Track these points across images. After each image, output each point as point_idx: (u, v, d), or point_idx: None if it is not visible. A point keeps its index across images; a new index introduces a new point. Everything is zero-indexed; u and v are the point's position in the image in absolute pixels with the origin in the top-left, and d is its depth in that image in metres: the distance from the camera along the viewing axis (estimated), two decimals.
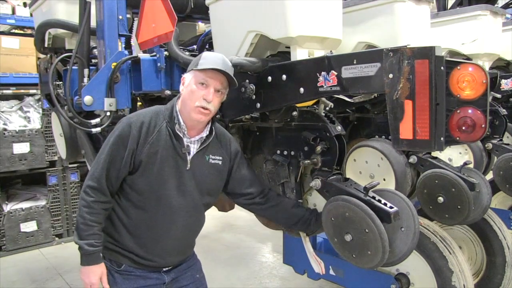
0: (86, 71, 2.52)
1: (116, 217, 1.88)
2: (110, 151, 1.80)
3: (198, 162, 1.89)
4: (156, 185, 1.82)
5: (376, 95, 2.59)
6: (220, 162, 1.97)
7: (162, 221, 1.86)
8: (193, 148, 1.88)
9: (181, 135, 1.84)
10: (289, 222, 2.10)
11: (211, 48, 2.60)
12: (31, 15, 4.34)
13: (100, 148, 1.86)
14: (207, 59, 1.81)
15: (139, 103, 2.72)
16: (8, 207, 4.97)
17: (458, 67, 1.58)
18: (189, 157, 1.86)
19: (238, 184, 2.05)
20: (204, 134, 1.89)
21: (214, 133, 1.93)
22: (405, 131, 1.58)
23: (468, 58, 3.07)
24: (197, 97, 1.79)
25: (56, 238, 5.27)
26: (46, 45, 3.19)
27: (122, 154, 1.78)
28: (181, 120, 1.83)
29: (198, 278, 2.10)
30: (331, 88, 1.75)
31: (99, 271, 1.82)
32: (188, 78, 1.84)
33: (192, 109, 1.80)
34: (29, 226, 5.00)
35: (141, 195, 1.83)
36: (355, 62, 1.66)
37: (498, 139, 3.23)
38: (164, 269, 1.96)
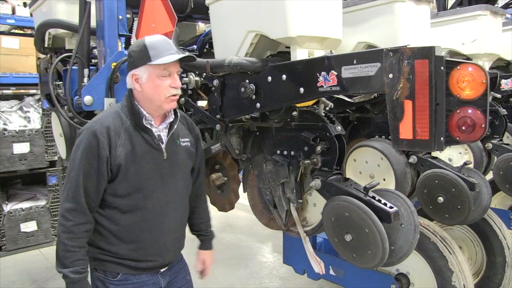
0: (86, 71, 2.53)
1: (103, 228, 1.78)
2: (81, 166, 1.69)
3: (172, 148, 1.86)
4: (139, 184, 1.77)
5: (376, 95, 2.59)
6: (189, 144, 1.95)
7: (154, 218, 1.82)
8: (164, 136, 1.84)
9: (149, 127, 1.79)
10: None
11: (211, 48, 2.60)
12: (31, 15, 4.35)
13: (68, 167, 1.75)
14: (157, 48, 1.72)
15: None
16: (8, 207, 4.97)
17: (458, 67, 1.58)
18: (163, 146, 1.82)
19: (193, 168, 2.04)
20: (171, 118, 1.85)
21: (178, 115, 1.89)
22: (405, 131, 1.58)
23: (468, 58, 3.07)
24: (164, 89, 1.74)
25: (56, 238, 5.26)
26: (46, 45, 3.19)
27: (95, 165, 1.69)
28: (145, 113, 1.77)
29: (188, 279, 2.10)
30: (331, 88, 1.75)
31: None
32: (143, 74, 1.74)
33: (163, 102, 1.75)
34: (29, 226, 4.99)
35: (126, 198, 1.76)
36: (355, 62, 1.66)
37: (498, 139, 3.23)
38: (162, 270, 1.92)
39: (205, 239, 2.19)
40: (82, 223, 1.70)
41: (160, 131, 1.83)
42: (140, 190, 1.77)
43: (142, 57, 1.73)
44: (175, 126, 1.86)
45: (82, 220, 1.70)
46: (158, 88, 1.74)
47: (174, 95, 1.77)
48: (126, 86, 1.84)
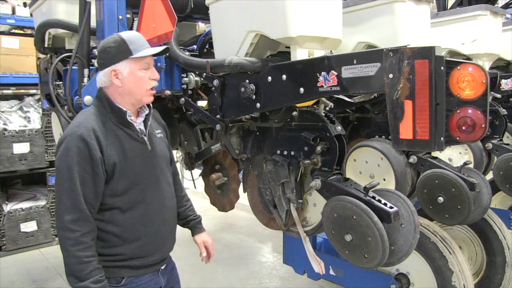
0: (86, 71, 2.52)
1: (104, 233, 1.75)
2: (74, 174, 1.64)
3: (152, 140, 1.88)
4: (136, 179, 1.77)
5: (376, 95, 2.59)
6: (162, 135, 1.98)
7: (154, 211, 1.83)
8: (143, 129, 1.85)
9: (132, 122, 1.80)
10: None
11: (211, 48, 2.60)
12: (31, 15, 4.34)
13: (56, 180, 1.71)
14: (136, 42, 1.75)
15: None
16: (8, 207, 4.97)
17: (458, 67, 1.58)
18: (146, 139, 1.84)
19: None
20: (146, 111, 1.87)
21: (151, 108, 1.90)
22: (405, 131, 1.58)
23: (468, 58, 3.07)
24: (146, 82, 1.77)
25: (56, 238, 5.25)
26: (46, 45, 3.19)
27: (90, 170, 1.65)
28: (125, 109, 1.77)
29: (179, 278, 2.10)
30: (331, 88, 1.75)
31: None
32: (124, 68, 1.73)
33: (144, 95, 1.78)
34: (29, 226, 4.99)
35: (126, 195, 1.75)
36: (355, 62, 1.66)
37: (498, 139, 3.24)
38: (162, 268, 1.93)
39: (195, 223, 2.19)
40: (89, 231, 1.66)
41: (140, 124, 1.84)
42: (137, 184, 1.78)
43: (122, 51, 1.73)
44: (150, 118, 1.88)
45: (88, 229, 1.65)
46: (140, 81, 1.76)
47: (153, 88, 1.80)
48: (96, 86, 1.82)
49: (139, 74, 1.76)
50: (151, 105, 1.90)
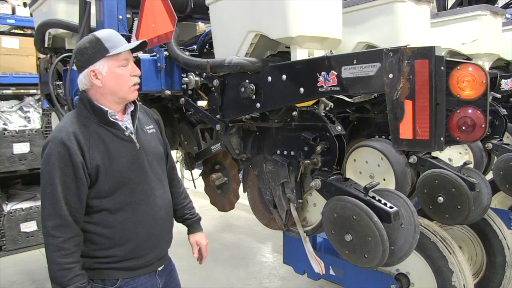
0: None
1: (95, 236, 1.73)
2: (56, 179, 1.63)
3: (142, 137, 1.85)
4: (122, 180, 1.74)
5: (376, 95, 2.59)
6: (154, 130, 1.95)
7: (145, 210, 1.80)
8: (131, 127, 1.82)
9: (115, 121, 1.77)
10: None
11: (211, 48, 2.60)
12: (31, 15, 4.35)
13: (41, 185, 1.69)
14: (111, 40, 1.72)
15: (139, 103, 2.72)
16: (8, 207, 4.97)
17: (458, 67, 1.58)
18: (133, 137, 1.80)
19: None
20: (131, 108, 1.84)
21: (138, 104, 1.88)
22: (405, 131, 1.58)
23: (468, 58, 3.07)
24: (127, 79, 1.74)
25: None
26: (46, 45, 3.19)
27: (71, 174, 1.63)
28: (106, 108, 1.75)
29: (179, 281, 2.08)
30: (331, 88, 1.75)
31: None
32: (102, 67, 1.71)
33: (127, 92, 1.75)
34: (29, 226, 4.99)
35: (113, 197, 1.73)
36: (355, 62, 1.66)
37: (498, 139, 3.24)
38: (159, 269, 1.91)
39: (192, 222, 2.15)
40: (71, 237, 1.64)
41: (126, 122, 1.81)
42: (124, 185, 1.75)
43: (98, 50, 1.70)
44: (137, 115, 1.85)
45: (70, 235, 1.63)
46: (121, 78, 1.73)
47: (135, 84, 1.78)
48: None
49: (118, 72, 1.73)
50: (136, 101, 1.87)
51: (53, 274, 1.63)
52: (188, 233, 2.17)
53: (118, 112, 1.80)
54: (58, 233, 1.62)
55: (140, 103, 1.97)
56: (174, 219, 2.08)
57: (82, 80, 1.75)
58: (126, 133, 1.78)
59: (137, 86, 1.79)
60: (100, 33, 1.75)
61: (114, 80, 1.73)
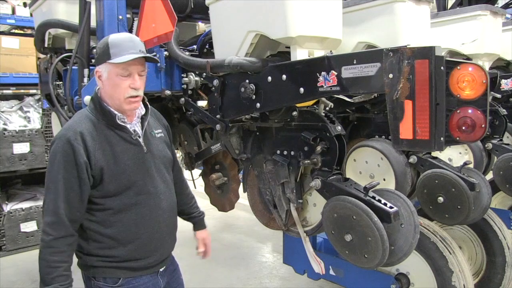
0: (86, 71, 2.52)
1: (98, 234, 1.74)
2: (59, 177, 1.64)
3: (149, 141, 1.85)
4: (128, 182, 1.74)
5: (376, 95, 2.59)
6: (163, 135, 1.96)
7: (149, 213, 1.81)
8: (139, 130, 1.82)
9: (124, 124, 1.77)
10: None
11: (211, 48, 2.60)
12: (31, 15, 4.35)
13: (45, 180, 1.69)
14: (119, 46, 1.69)
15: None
16: (8, 207, 4.97)
17: (458, 67, 1.58)
18: (141, 140, 1.81)
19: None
20: (142, 111, 1.84)
21: (149, 107, 1.88)
22: (405, 131, 1.58)
23: (468, 58, 3.07)
24: (123, 89, 1.70)
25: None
26: (46, 45, 3.19)
27: (75, 174, 1.63)
28: (115, 112, 1.74)
29: (182, 280, 2.09)
30: (331, 88, 1.75)
31: None
32: (104, 71, 1.71)
33: (122, 102, 1.72)
34: (29, 226, 4.99)
35: (118, 198, 1.74)
36: (355, 62, 1.66)
37: (498, 139, 3.24)
38: (161, 270, 1.91)
39: (198, 220, 2.21)
40: (62, 236, 1.64)
41: (134, 126, 1.81)
42: (130, 188, 1.75)
43: (103, 54, 1.71)
44: (148, 119, 1.85)
45: (62, 233, 1.64)
46: (116, 87, 1.72)
47: (134, 96, 1.74)
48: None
49: (115, 80, 1.71)
50: (148, 104, 1.88)
51: (40, 269, 1.68)
52: (194, 230, 2.22)
53: (129, 116, 1.80)
54: (51, 230, 1.64)
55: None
56: (180, 217, 2.12)
57: (94, 76, 1.79)
58: (134, 137, 1.79)
59: (136, 98, 1.75)
60: (113, 37, 1.75)
61: (110, 87, 1.73)
